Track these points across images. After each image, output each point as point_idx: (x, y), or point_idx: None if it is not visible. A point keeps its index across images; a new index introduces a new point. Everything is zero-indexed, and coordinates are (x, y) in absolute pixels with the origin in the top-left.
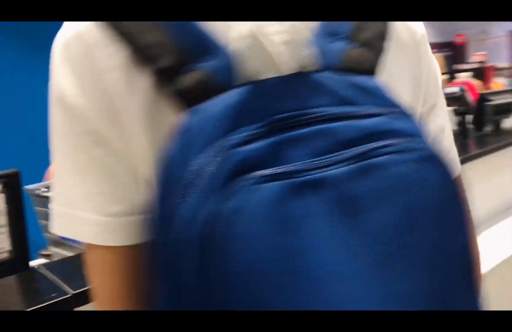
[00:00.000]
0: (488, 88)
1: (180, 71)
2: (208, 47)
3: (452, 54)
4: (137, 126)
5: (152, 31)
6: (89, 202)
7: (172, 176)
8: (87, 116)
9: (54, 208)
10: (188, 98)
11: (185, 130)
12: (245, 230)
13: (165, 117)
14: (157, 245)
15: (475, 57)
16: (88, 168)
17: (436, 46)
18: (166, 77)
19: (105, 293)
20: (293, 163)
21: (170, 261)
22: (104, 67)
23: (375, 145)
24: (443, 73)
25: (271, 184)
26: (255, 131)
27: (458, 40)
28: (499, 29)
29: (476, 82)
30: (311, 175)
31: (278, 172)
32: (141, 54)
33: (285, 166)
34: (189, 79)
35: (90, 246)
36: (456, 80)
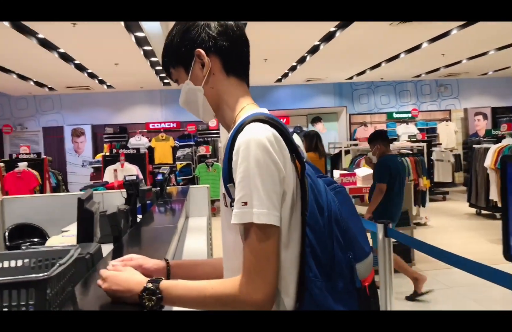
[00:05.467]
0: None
1: None
2: None
3: None
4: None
5: None
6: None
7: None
8: (280, 167)
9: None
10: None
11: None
12: None
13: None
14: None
15: (23, 148)
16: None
17: None
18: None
19: (276, 259)
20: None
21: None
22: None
23: (336, 185)
24: None
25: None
26: None
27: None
28: (35, 124)
29: (35, 172)
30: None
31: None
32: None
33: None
34: None
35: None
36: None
